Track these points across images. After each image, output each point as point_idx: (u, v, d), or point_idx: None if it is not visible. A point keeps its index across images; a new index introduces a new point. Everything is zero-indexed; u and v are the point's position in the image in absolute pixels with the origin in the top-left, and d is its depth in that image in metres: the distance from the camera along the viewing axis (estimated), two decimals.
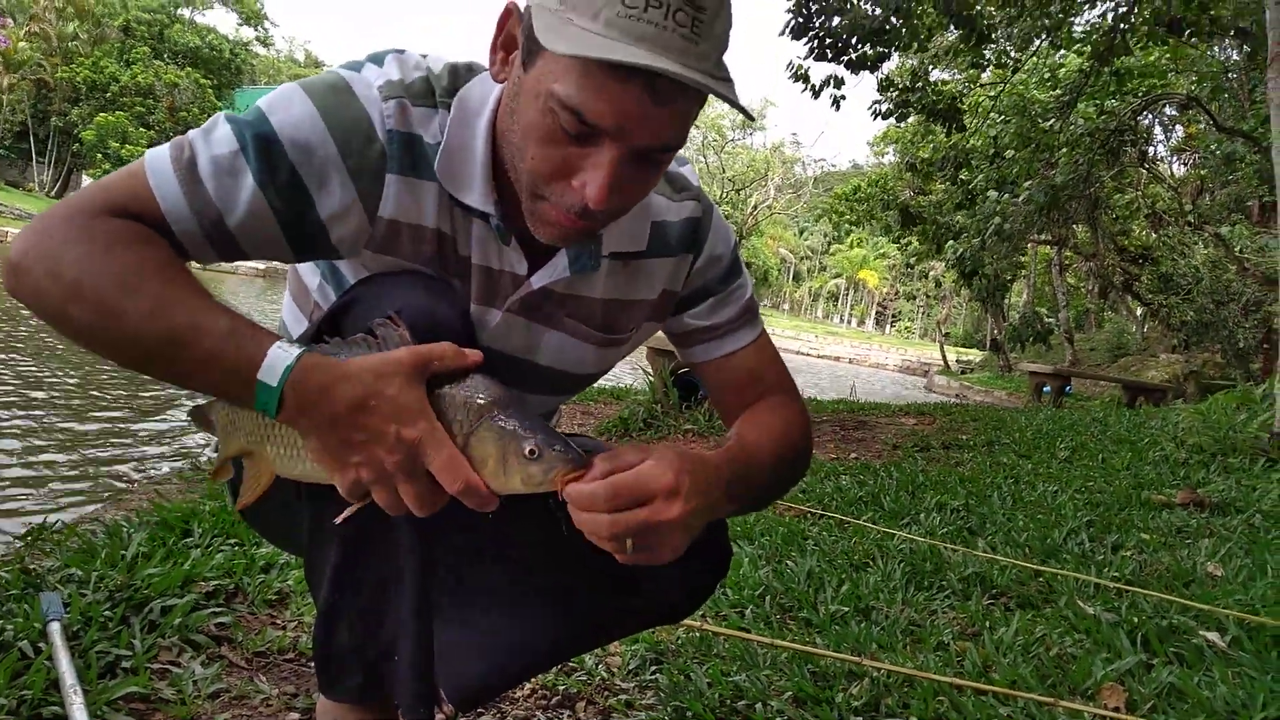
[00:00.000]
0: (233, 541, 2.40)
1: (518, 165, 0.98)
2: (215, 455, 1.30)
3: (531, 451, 0.88)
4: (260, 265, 34.61)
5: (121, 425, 5.89)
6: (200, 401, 1.07)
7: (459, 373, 0.92)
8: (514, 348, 1.16)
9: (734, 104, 0.94)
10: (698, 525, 0.97)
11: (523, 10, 0.95)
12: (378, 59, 1.06)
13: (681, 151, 1.06)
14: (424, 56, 1.08)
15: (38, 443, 5.03)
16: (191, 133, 0.99)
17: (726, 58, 0.96)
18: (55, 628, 1.65)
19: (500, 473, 0.90)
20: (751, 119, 0.98)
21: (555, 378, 1.23)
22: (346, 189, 1.00)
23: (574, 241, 1.04)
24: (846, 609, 2.37)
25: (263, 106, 1.00)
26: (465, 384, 0.92)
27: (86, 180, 41.85)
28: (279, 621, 2.04)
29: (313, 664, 1.46)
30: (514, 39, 0.97)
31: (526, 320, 1.15)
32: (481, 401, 0.91)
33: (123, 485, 4.06)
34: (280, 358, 0.87)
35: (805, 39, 9.43)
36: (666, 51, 0.86)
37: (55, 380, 6.92)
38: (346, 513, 0.94)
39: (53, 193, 42.47)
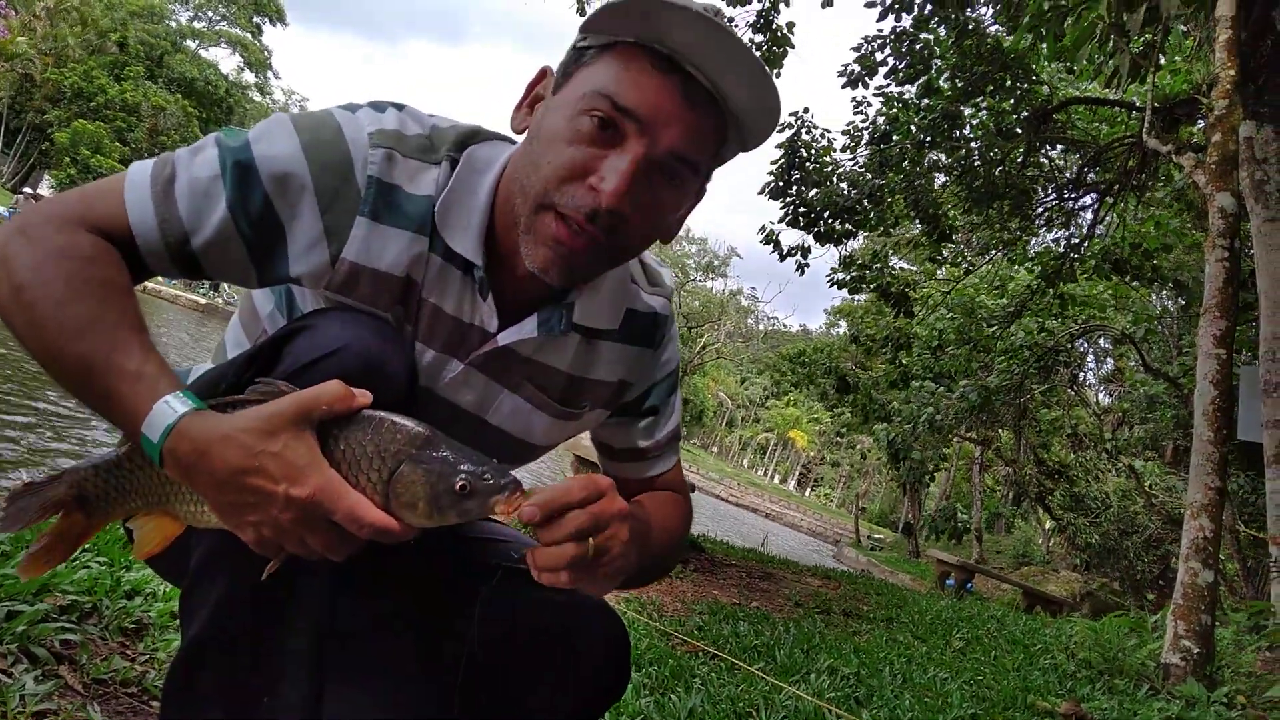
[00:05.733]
0: (103, 560, 2.26)
1: (528, 186, 0.99)
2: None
3: (463, 487, 0.85)
4: (200, 299, 33.97)
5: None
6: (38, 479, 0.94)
7: (352, 414, 0.87)
8: (467, 402, 1.14)
9: (769, 98, 0.98)
10: (632, 559, 0.96)
11: (556, 70, 1.04)
12: (379, 106, 1.07)
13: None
14: (430, 115, 1.10)
15: None
16: (180, 150, 1.01)
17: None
18: None
19: (433, 513, 0.85)
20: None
21: (502, 441, 1.20)
22: (315, 224, 1.00)
23: (561, 269, 1.00)
24: None
25: (250, 135, 1.01)
26: (375, 424, 0.87)
27: (47, 179, 41.19)
28: (130, 652, 1.91)
29: (158, 703, 1.35)
30: (540, 97, 1.05)
31: (486, 377, 1.14)
32: (397, 443, 0.86)
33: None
34: (164, 415, 0.84)
35: (781, 202, 9.91)
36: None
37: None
38: (271, 566, 0.89)
39: (9, 185, 41.59)
